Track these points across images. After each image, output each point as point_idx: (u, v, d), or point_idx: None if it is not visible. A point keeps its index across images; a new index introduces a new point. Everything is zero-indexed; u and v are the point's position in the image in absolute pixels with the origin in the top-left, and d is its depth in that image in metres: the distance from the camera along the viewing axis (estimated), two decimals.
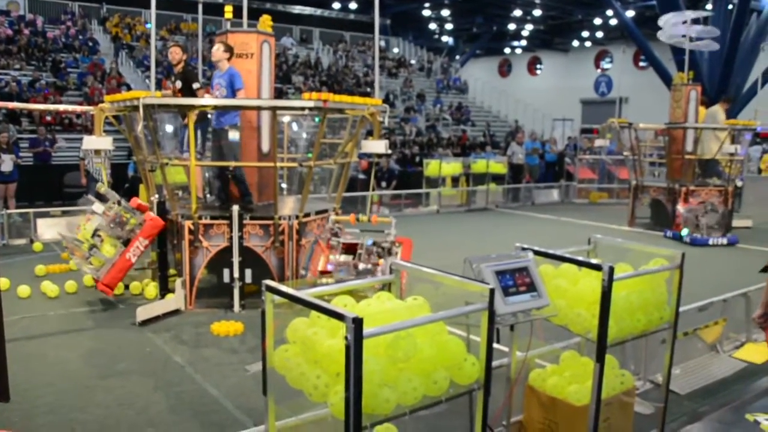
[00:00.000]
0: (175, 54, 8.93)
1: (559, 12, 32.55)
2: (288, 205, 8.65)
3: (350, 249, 7.32)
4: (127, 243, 7.53)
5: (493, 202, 18.13)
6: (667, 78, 23.73)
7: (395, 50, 36.45)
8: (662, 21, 16.51)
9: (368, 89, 27.09)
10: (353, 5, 34.41)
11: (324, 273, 7.25)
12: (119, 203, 7.75)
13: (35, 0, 27.98)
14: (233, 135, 8.06)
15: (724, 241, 12.52)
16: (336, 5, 34.57)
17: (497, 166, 18.62)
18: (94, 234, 7.55)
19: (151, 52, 8.99)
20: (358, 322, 2.62)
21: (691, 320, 5.99)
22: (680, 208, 13.31)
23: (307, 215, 7.98)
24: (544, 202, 19.10)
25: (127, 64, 25.56)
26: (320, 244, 7.57)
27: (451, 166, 18.22)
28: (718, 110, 14.35)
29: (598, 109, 35.22)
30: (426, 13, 34.87)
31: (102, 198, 8.19)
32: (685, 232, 12.93)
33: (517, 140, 20.87)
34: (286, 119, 9.94)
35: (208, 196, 9.13)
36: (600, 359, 3.79)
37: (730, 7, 23.45)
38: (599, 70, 38.43)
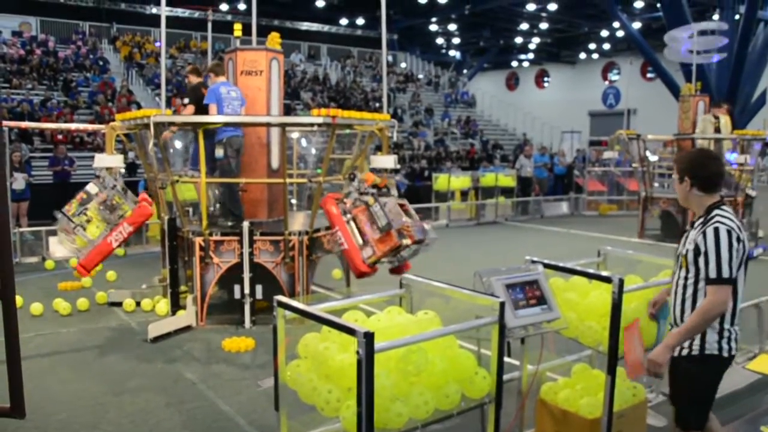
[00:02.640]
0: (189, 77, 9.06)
1: (566, 25, 32.64)
2: (298, 221, 8.67)
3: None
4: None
5: (503, 216, 18.10)
6: (675, 89, 23.71)
7: (403, 65, 36.60)
8: (667, 38, 16.54)
9: (376, 104, 27.19)
10: (360, 21, 34.61)
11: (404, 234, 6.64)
12: (114, 187, 7.61)
13: (47, 20, 28.33)
14: (219, 152, 8.10)
15: (761, 250, 12.14)
16: (343, 21, 34.78)
17: (506, 179, 18.60)
18: (80, 212, 7.35)
19: (161, 70, 9.09)
20: (369, 337, 2.64)
21: None
22: None
23: (317, 231, 8.01)
24: (553, 215, 19.06)
25: (137, 82, 25.80)
26: (358, 214, 6.84)
27: (460, 180, 18.21)
28: (706, 118, 14.26)
29: (606, 121, 35.22)
30: (433, 27, 35.05)
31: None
32: None
33: (525, 153, 20.85)
34: (295, 135, 9.99)
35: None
36: (611, 371, 3.79)
37: (737, 17, 23.44)
38: (607, 82, 38.45)
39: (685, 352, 3.48)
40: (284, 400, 3.34)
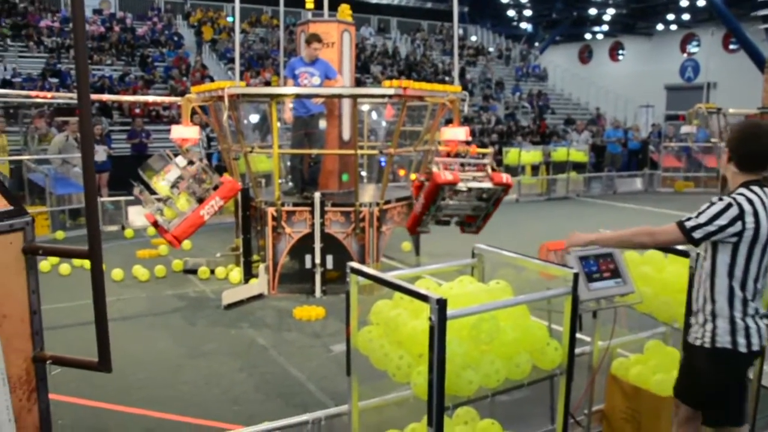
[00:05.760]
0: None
1: None
2: (368, 193, 8.73)
3: None
4: (201, 200, 7.38)
5: (574, 191, 17.80)
6: (760, 61, 22.68)
7: (473, 38, 36.12)
8: None
9: (446, 78, 26.96)
10: None
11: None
12: (201, 161, 7.69)
13: None
14: (323, 124, 8.18)
15: None
16: None
17: (578, 154, 18.26)
18: (174, 185, 7.40)
19: (235, 45, 9.21)
20: (442, 303, 2.64)
21: None
22: None
23: (387, 202, 8.04)
24: (626, 192, 18.60)
25: (211, 57, 26.25)
26: None
27: (530, 155, 17.97)
28: None
29: (684, 95, 33.91)
30: None
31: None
32: None
33: (577, 128, 20.44)
34: (365, 108, 10.02)
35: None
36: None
37: None
38: (685, 55, 36.99)
39: (698, 342, 3.27)
40: (355, 366, 3.40)
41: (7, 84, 19.47)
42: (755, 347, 3.18)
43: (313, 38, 8.22)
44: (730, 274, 3.16)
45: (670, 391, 3.87)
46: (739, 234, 3.08)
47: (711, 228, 3.09)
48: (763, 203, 3.10)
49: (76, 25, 2.61)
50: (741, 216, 3.06)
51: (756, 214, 3.07)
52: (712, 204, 3.12)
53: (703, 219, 3.10)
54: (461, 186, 6.81)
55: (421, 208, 6.97)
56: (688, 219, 3.14)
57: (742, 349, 3.17)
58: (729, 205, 3.08)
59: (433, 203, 6.89)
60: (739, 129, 3.28)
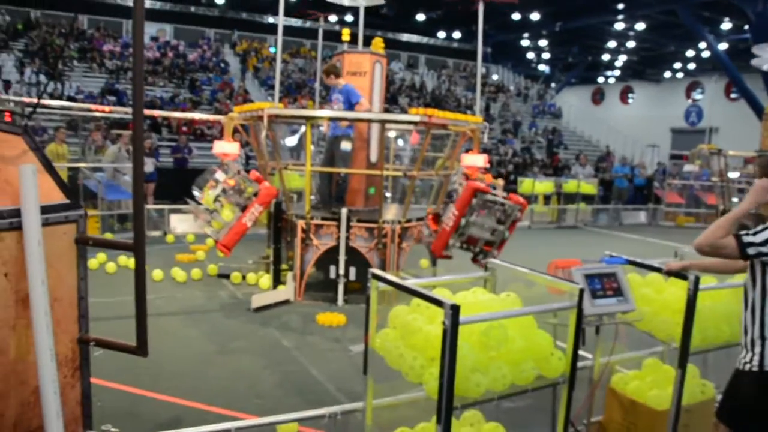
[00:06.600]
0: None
1: (652, 44, 31.42)
2: (391, 211, 8.72)
3: None
4: (244, 209, 7.45)
5: (582, 221, 17.66)
6: (758, 109, 22.47)
7: (495, 77, 36.20)
8: (757, 49, 15.71)
9: (468, 111, 27.00)
10: (457, 34, 34.46)
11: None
12: (239, 173, 7.73)
13: (179, 27, 29.58)
14: (346, 145, 8.20)
15: None
16: (441, 34, 34.70)
17: (588, 186, 18.14)
18: (216, 200, 7.52)
19: (276, 73, 9.31)
20: (455, 309, 2.63)
21: None
22: None
23: (408, 221, 8.03)
24: (631, 223, 18.40)
25: (253, 83, 26.54)
26: None
27: (543, 185, 17.89)
28: None
29: (688, 137, 33.59)
30: (525, 43, 34.43)
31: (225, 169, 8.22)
32: None
33: (580, 162, 20.37)
34: (392, 135, 10.03)
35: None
36: (682, 365, 3.64)
37: None
38: (690, 101, 36.73)
39: (747, 366, 3.04)
40: (372, 367, 3.37)
41: (70, 100, 19.82)
42: None
43: (331, 70, 8.35)
44: None
45: (666, 405, 3.81)
46: None
47: (764, 249, 2.93)
48: None
49: (135, 49, 2.66)
50: None
51: None
52: (767, 225, 2.96)
53: (758, 239, 2.94)
54: (489, 196, 6.81)
55: (453, 221, 6.82)
56: (747, 234, 2.97)
57: None
58: None
59: (464, 217, 6.81)
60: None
